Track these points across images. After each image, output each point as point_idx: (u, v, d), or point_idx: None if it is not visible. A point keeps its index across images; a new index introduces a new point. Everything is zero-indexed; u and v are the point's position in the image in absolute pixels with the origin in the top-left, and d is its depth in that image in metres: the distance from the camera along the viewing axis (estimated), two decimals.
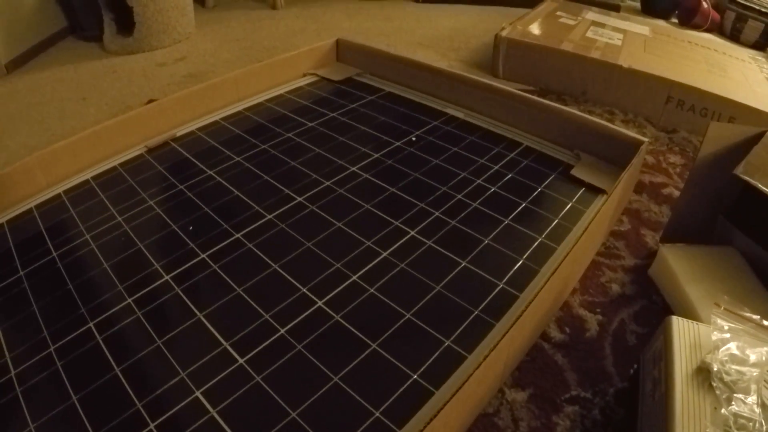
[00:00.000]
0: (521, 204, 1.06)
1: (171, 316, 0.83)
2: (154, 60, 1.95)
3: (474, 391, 0.66)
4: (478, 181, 1.12)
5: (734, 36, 2.21)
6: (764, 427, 0.55)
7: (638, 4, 2.56)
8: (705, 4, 2.25)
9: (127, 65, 1.90)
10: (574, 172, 1.14)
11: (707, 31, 2.27)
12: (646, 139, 1.08)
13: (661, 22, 2.33)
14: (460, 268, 0.91)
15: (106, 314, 0.83)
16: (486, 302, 0.84)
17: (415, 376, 0.73)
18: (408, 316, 0.82)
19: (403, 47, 2.04)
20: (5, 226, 1.03)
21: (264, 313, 0.82)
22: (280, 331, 0.79)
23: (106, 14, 2.00)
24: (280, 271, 0.90)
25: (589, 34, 1.78)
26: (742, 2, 2.16)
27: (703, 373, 0.61)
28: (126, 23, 2.00)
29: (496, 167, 1.16)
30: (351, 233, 0.98)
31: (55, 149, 1.12)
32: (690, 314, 0.82)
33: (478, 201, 1.06)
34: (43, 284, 0.90)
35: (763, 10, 2.10)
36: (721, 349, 0.63)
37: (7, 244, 0.99)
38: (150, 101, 1.52)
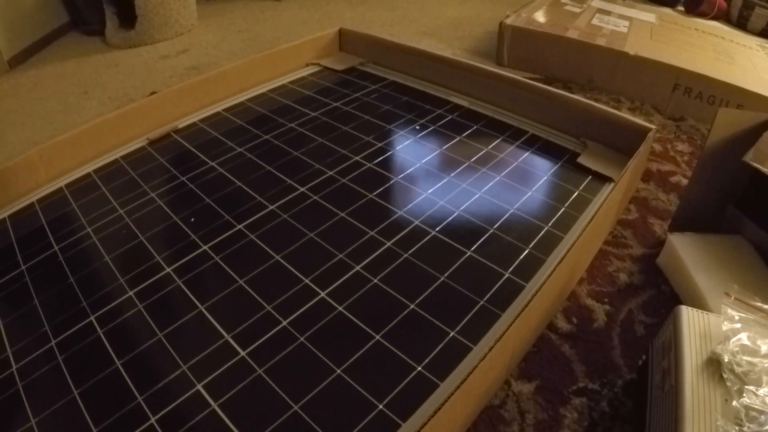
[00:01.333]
0: (527, 192, 1.04)
1: (172, 309, 0.82)
2: (156, 53, 1.95)
3: (479, 383, 0.66)
4: (483, 169, 1.11)
5: (741, 24, 2.19)
6: None
7: None
8: None
9: (129, 58, 1.90)
10: (580, 160, 1.12)
11: (714, 18, 2.25)
12: (653, 127, 1.06)
13: (667, 10, 2.31)
14: (465, 257, 0.90)
15: (108, 307, 0.83)
16: (491, 292, 0.83)
17: (420, 368, 0.72)
18: (412, 306, 0.81)
19: (407, 36, 2.03)
20: (7, 220, 1.03)
21: (266, 305, 0.82)
22: (282, 323, 0.79)
23: (107, 8, 2.00)
24: (283, 262, 0.89)
25: (595, 21, 1.77)
26: None
27: (714, 365, 0.61)
28: (128, 16, 2.01)
29: (501, 155, 1.15)
30: (354, 223, 0.97)
31: (56, 143, 1.12)
32: (699, 304, 0.81)
33: (483, 189, 1.05)
34: (45, 278, 0.89)
35: None
36: (731, 340, 0.62)
37: (9, 238, 0.99)
38: (152, 94, 1.51)
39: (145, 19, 1.98)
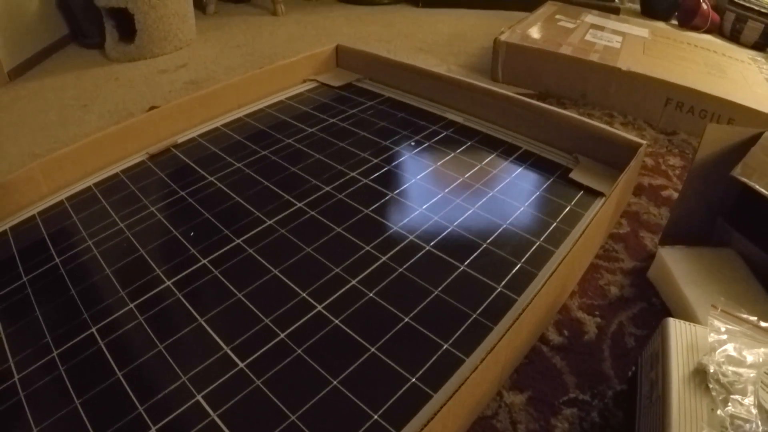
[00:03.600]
0: (520, 207, 1.06)
1: (172, 321, 0.83)
2: (155, 67, 1.96)
3: (472, 393, 0.67)
4: (477, 185, 1.12)
5: (734, 37, 2.21)
6: (761, 429, 0.55)
7: (638, 7, 2.57)
8: (704, 6, 2.25)
9: (128, 72, 1.92)
10: (572, 175, 1.14)
11: (707, 32, 2.28)
12: (644, 142, 1.08)
13: (660, 24, 2.33)
14: (458, 272, 0.91)
15: (109, 319, 0.84)
16: (484, 306, 0.84)
17: (414, 380, 0.73)
18: (406, 320, 0.82)
19: (403, 52, 2.05)
20: (9, 232, 1.04)
21: (264, 318, 0.83)
22: (280, 335, 0.80)
23: (107, 21, 2.01)
24: (280, 276, 0.91)
25: (588, 37, 1.79)
26: (742, 3, 2.17)
27: (700, 375, 0.62)
28: (127, 30, 2.02)
29: (494, 171, 1.17)
30: (350, 238, 0.99)
31: (57, 156, 1.13)
32: (688, 316, 0.83)
33: (477, 205, 1.07)
34: (46, 290, 0.90)
35: (763, 10, 2.10)
36: (717, 351, 0.63)
37: (11, 250, 1.00)
38: (151, 108, 1.52)
39: (145, 33, 1.99)
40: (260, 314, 0.84)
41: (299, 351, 0.78)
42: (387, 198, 1.09)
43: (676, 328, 0.68)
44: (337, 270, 0.92)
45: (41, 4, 2.05)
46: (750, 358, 0.62)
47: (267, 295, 0.87)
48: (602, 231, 1.00)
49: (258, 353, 0.78)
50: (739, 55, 1.87)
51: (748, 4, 2.15)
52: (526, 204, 1.07)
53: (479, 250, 0.96)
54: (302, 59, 1.58)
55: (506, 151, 1.25)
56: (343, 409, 0.70)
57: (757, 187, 0.83)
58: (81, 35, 2.21)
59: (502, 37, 1.71)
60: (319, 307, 0.85)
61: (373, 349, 0.78)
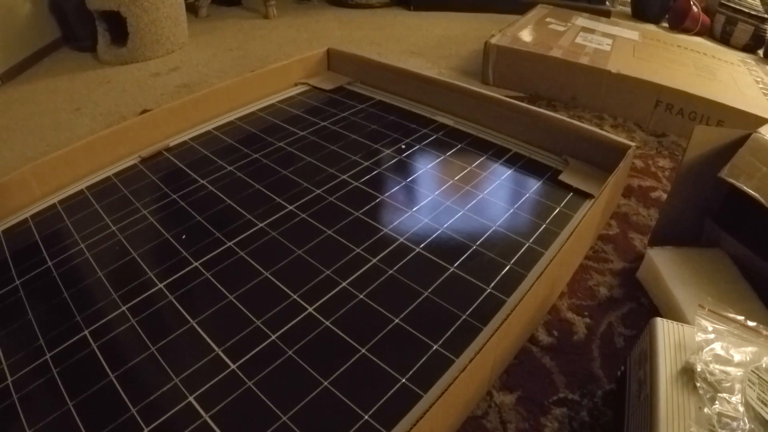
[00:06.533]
0: (509, 209, 1.07)
1: (164, 323, 0.84)
2: (147, 70, 1.96)
3: (461, 393, 0.67)
4: (467, 187, 1.13)
5: (724, 39, 2.22)
6: (748, 426, 0.56)
7: (629, 10, 2.58)
8: (695, 8, 2.26)
9: (120, 75, 1.92)
10: (562, 177, 1.15)
11: (697, 34, 2.29)
12: (633, 144, 1.09)
13: (651, 27, 2.34)
14: (448, 273, 0.92)
15: (101, 322, 0.84)
16: (473, 307, 0.85)
17: (404, 380, 0.74)
18: (396, 321, 0.83)
19: (394, 55, 2.06)
20: (1, 235, 1.05)
21: (255, 320, 0.83)
22: (271, 337, 0.80)
23: (99, 24, 2.01)
24: (272, 278, 0.91)
25: (579, 40, 1.79)
26: (732, 5, 2.18)
27: (687, 374, 0.62)
28: (119, 33, 2.02)
29: (484, 173, 1.18)
30: (341, 240, 0.99)
31: (50, 160, 1.13)
32: (677, 316, 0.83)
33: (467, 207, 1.07)
34: (39, 293, 0.91)
35: (753, 12, 2.12)
36: (705, 350, 0.63)
37: (3, 253, 1.00)
38: (143, 111, 1.52)
39: (137, 36, 1.99)
40: (251, 316, 0.84)
41: (290, 352, 0.78)
42: (377, 201, 1.10)
43: (664, 327, 0.69)
44: (328, 272, 0.92)
45: (33, 7, 2.05)
46: (737, 357, 0.63)
47: (258, 297, 0.88)
48: (591, 232, 1.01)
49: (249, 355, 0.78)
50: (729, 57, 1.88)
51: (738, 7, 2.16)
52: (516, 206, 1.08)
53: (469, 252, 0.96)
54: (294, 62, 1.59)
55: (496, 153, 1.26)
56: (334, 410, 0.70)
57: (745, 187, 0.83)
58: (73, 38, 2.21)
59: (493, 40, 1.72)
60: (310, 309, 0.85)
61: (363, 350, 0.78)
